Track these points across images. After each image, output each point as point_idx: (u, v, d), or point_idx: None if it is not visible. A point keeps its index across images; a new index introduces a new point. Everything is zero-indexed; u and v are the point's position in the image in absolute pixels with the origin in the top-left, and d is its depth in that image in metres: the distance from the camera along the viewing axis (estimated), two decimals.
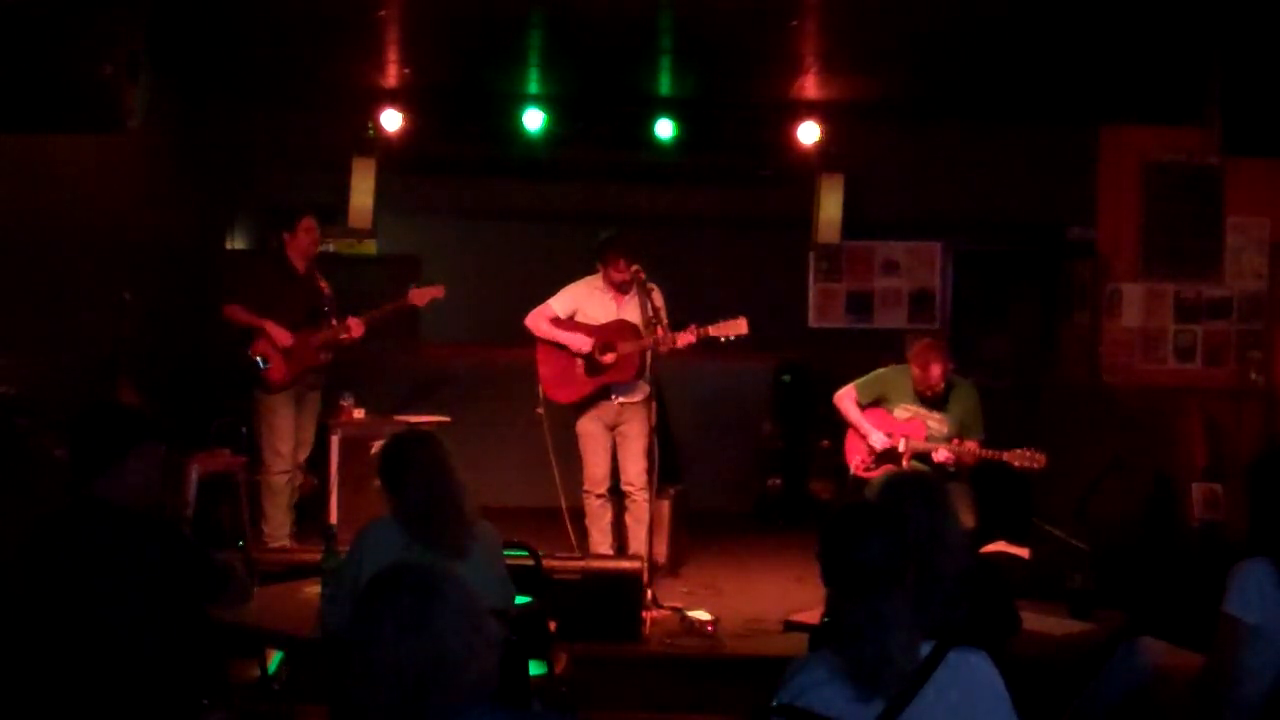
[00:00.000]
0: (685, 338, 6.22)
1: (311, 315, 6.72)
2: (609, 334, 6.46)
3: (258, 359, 6.59)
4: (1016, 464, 6.10)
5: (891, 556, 2.73)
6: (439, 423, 7.73)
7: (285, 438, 6.70)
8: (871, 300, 9.48)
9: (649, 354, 6.33)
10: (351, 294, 7.04)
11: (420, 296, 6.91)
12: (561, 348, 6.51)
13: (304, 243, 6.75)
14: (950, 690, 2.65)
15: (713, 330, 6.25)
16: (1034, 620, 4.38)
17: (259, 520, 6.72)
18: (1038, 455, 6.06)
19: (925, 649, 2.69)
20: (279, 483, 6.73)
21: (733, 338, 6.24)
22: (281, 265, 6.79)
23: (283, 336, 6.60)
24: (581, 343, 6.46)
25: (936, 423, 6.37)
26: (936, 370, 6.29)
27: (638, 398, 6.48)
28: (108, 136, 6.29)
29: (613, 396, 6.50)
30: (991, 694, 2.70)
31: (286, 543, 6.68)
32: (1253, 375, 8.39)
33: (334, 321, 6.74)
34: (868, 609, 2.67)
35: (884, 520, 2.84)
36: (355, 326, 6.72)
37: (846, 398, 6.57)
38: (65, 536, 3.40)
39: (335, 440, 7.13)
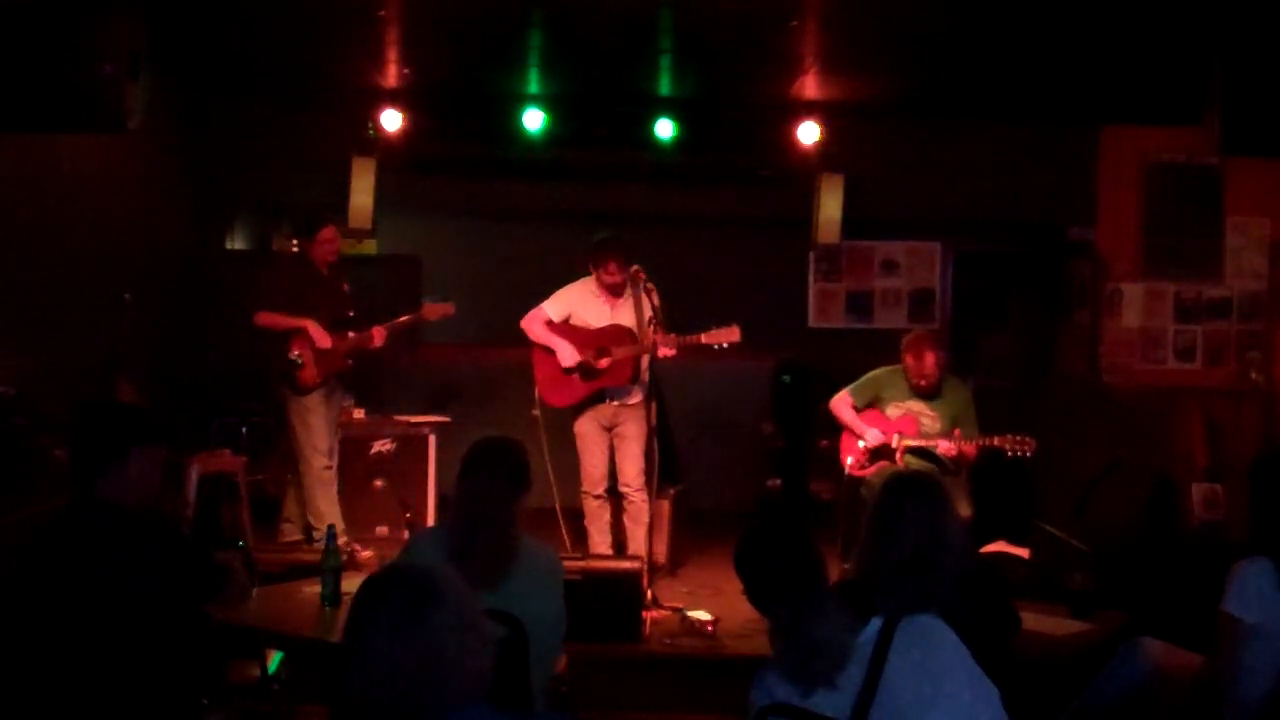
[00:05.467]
0: (665, 350, 6.23)
1: (338, 321, 6.71)
2: (604, 339, 6.45)
3: (296, 357, 6.55)
4: (1008, 450, 6.18)
5: (802, 561, 2.99)
6: (439, 423, 7.75)
7: (323, 435, 6.68)
8: (871, 300, 9.48)
9: (644, 358, 6.33)
10: (352, 294, 7.04)
11: (433, 311, 6.98)
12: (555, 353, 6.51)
13: (323, 251, 6.75)
14: (912, 651, 2.81)
15: (705, 338, 6.25)
16: (1034, 620, 4.38)
17: (311, 518, 6.67)
18: (1026, 440, 6.16)
19: (875, 625, 2.85)
20: (327, 476, 6.70)
21: (725, 345, 6.24)
22: (309, 269, 6.77)
23: (323, 338, 6.58)
24: (570, 356, 6.45)
25: (929, 418, 6.42)
26: (930, 358, 6.34)
27: (633, 400, 6.49)
28: (108, 136, 6.30)
29: (608, 399, 6.51)
30: (950, 646, 2.85)
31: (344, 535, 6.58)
32: (1253, 375, 8.40)
33: (356, 330, 6.73)
34: (788, 610, 2.88)
35: (788, 532, 3.09)
36: (378, 336, 6.76)
37: (841, 403, 6.63)
38: (65, 536, 3.40)
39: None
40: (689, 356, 6.50)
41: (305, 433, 6.66)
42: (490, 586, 3.57)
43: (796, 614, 2.85)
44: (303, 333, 6.57)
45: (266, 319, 6.59)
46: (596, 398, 6.51)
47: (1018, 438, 6.18)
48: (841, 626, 2.85)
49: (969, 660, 2.84)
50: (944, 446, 6.29)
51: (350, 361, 6.80)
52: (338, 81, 8.04)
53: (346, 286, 6.92)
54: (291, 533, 6.93)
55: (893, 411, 6.51)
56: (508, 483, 3.75)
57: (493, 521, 3.71)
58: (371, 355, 6.92)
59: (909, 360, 6.41)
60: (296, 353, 6.56)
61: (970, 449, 6.29)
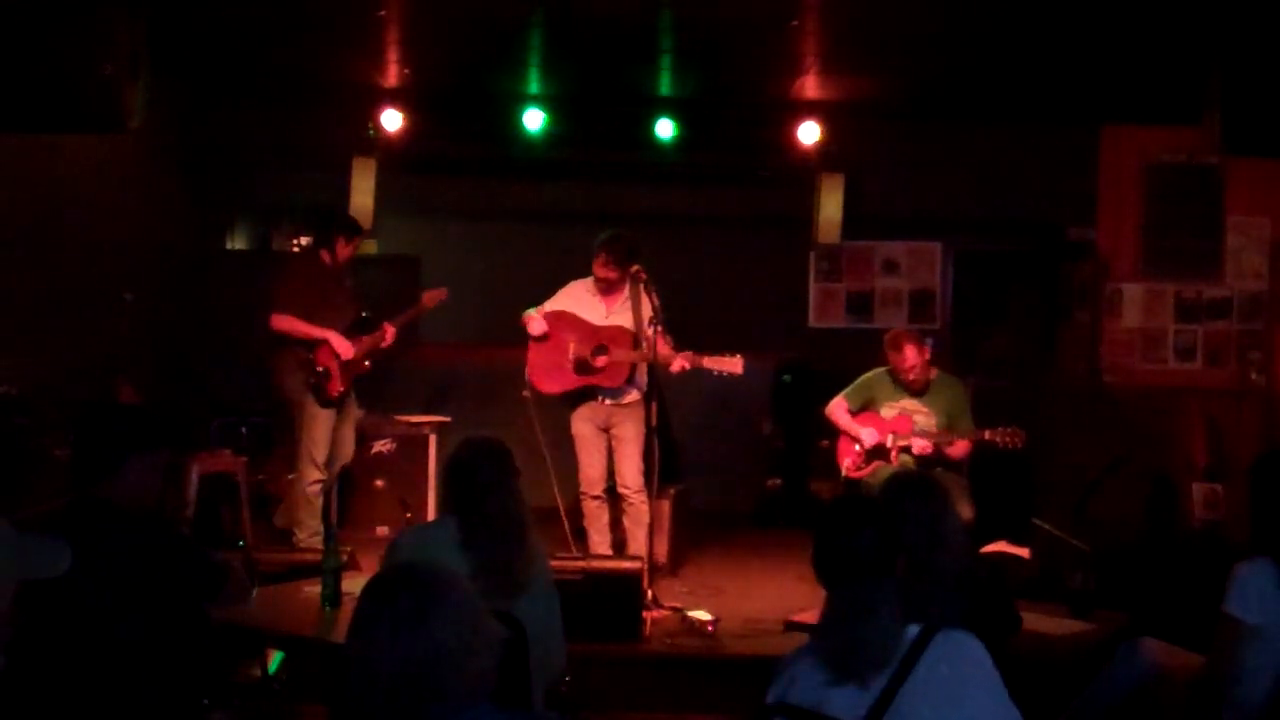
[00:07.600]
0: (680, 363, 6.20)
1: (357, 323, 6.63)
2: (605, 337, 6.43)
3: (323, 370, 6.42)
4: (999, 442, 6.21)
5: (881, 548, 2.79)
6: (439, 423, 7.74)
7: (322, 449, 6.56)
8: (871, 300, 9.48)
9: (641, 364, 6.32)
10: (356, 293, 7.01)
11: (431, 298, 6.99)
12: (557, 338, 6.46)
13: (344, 254, 6.65)
14: (940, 665, 2.70)
15: (707, 362, 6.20)
16: (1034, 620, 4.39)
17: (293, 525, 6.62)
18: (1017, 432, 6.20)
19: (913, 632, 2.73)
20: (313, 492, 6.58)
21: (725, 373, 6.23)
22: (323, 269, 6.63)
23: (346, 348, 6.48)
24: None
25: (923, 416, 6.47)
26: (911, 351, 6.39)
27: (628, 400, 6.45)
28: (108, 137, 6.30)
29: (600, 398, 6.47)
30: (980, 667, 2.75)
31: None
32: (1253, 375, 8.40)
33: (369, 331, 6.65)
34: (851, 596, 2.74)
35: (877, 512, 2.90)
36: (390, 333, 6.70)
37: (837, 408, 6.68)
38: (64, 537, 3.40)
39: None
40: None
41: (309, 442, 6.54)
42: (521, 591, 3.56)
43: (858, 605, 2.74)
44: (326, 344, 6.45)
45: (286, 323, 6.43)
46: (589, 394, 6.47)
47: (1007, 430, 6.22)
48: (889, 629, 2.75)
49: (997, 684, 2.74)
50: (918, 445, 6.31)
51: (369, 364, 6.69)
52: (338, 81, 8.05)
53: (350, 283, 6.83)
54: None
55: (887, 412, 6.54)
56: (517, 484, 3.75)
57: (524, 529, 3.69)
58: (384, 354, 6.82)
59: (890, 356, 6.49)
60: (322, 366, 6.44)
61: (961, 445, 6.34)
